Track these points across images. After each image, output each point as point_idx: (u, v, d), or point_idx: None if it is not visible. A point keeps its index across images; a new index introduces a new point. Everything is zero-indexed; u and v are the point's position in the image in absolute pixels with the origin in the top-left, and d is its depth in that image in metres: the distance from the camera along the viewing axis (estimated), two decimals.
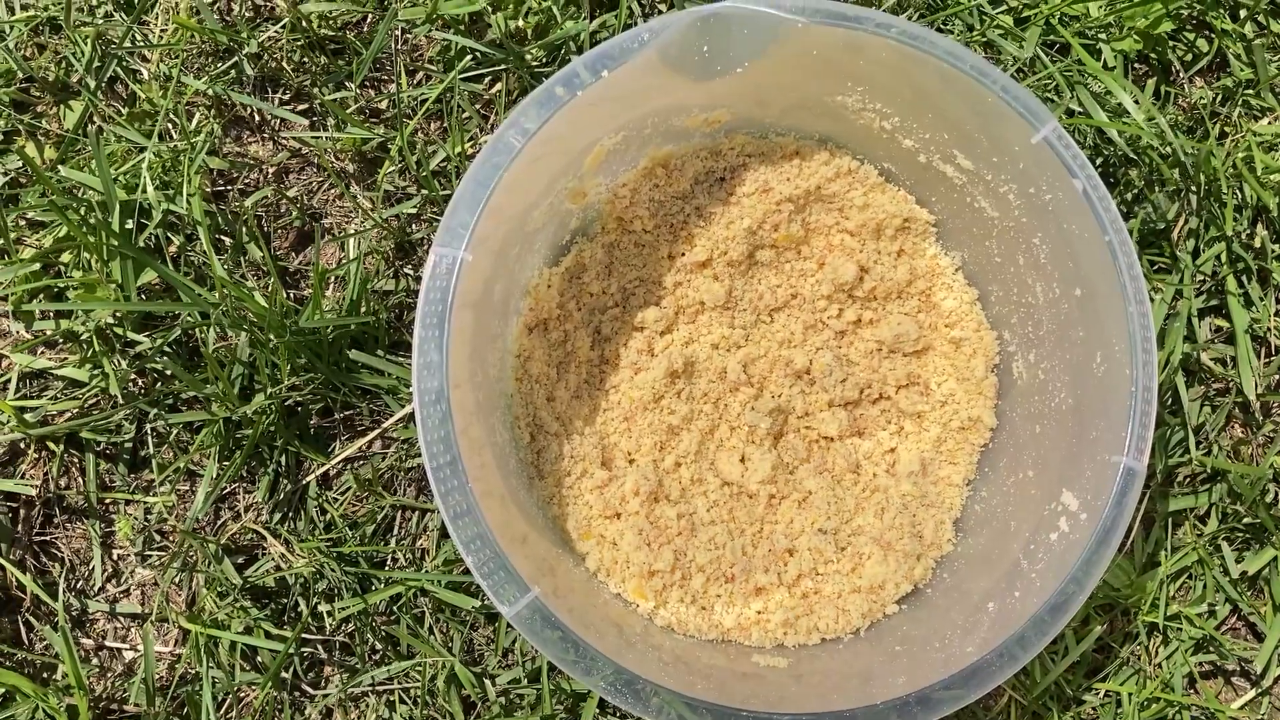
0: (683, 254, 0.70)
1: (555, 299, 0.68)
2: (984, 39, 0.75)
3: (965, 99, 0.61)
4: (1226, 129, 0.77)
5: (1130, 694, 0.68)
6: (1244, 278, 0.74)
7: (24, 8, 0.74)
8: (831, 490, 0.68)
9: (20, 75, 0.72)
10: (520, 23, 0.74)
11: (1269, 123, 0.76)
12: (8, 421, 0.67)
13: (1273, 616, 0.70)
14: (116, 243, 0.66)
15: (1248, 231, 0.74)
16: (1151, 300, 0.73)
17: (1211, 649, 0.70)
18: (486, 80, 0.74)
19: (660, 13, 0.75)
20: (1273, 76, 0.76)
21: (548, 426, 0.66)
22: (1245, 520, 0.70)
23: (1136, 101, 0.73)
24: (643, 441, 0.68)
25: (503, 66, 0.73)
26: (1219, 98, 0.77)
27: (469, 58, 0.73)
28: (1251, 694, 0.71)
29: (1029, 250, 0.64)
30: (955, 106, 0.62)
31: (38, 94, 0.72)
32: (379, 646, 0.67)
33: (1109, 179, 0.75)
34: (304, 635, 0.66)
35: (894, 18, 0.59)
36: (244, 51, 0.72)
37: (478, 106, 0.74)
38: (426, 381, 0.55)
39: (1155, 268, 0.74)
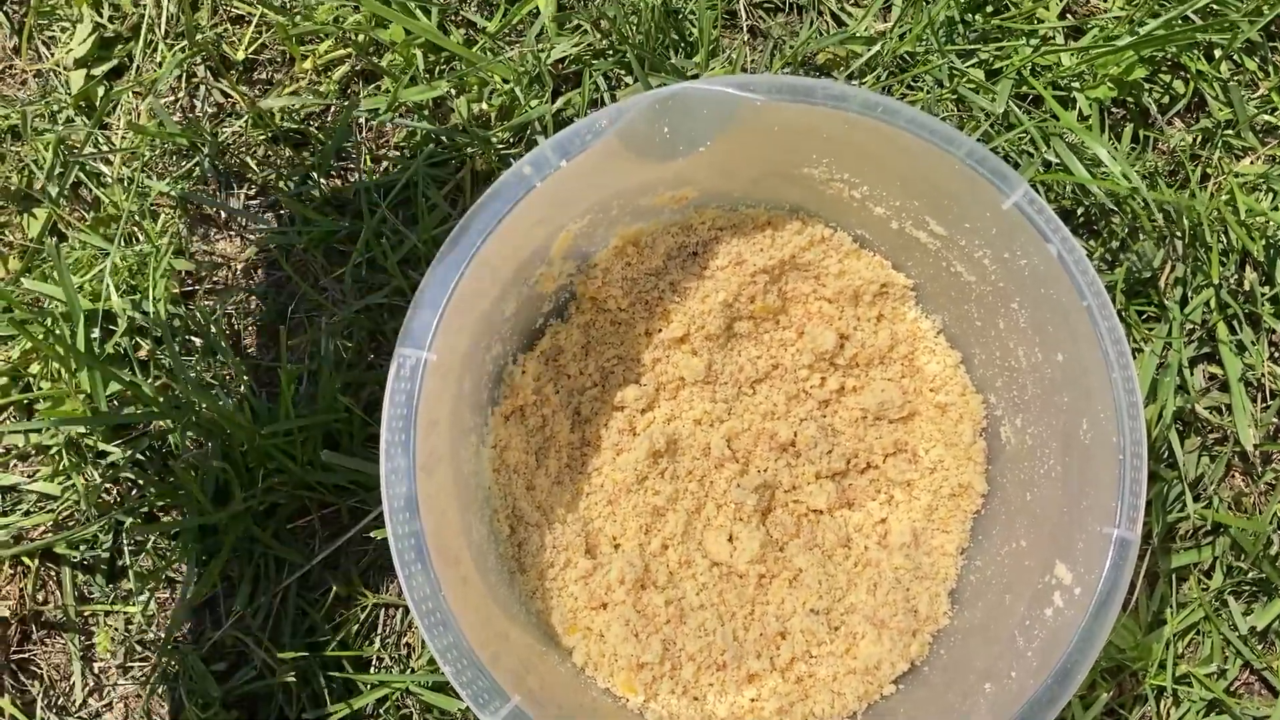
0: (659, 330, 0.69)
1: (531, 384, 0.67)
2: (955, 95, 0.74)
3: (932, 166, 0.59)
4: (1209, 170, 0.75)
5: None
6: (1235, 324, 0.72)
7: None
8: (822, 567, 0.66)
9: None
10: (484, 105, 0.73)
11: (1250, 162, 0.75)
12: None
13: None
14: (81, 354, 0.65)
15: (1235, 277, 0.73)
16: (1141, 351, 0.71)
17: (1223, 710, 0.68)
18: (452, 165, 0.73)
19: (625, 85, 0.75)
20: (1252, 116, 0.75)
21: (528, 517, 0.65)
22: (1251, 574, 0.69)
23: (1112, 154, 0.71)
24: (627, 525, 0.66)
25: (468, 150, 0.72)
26: (1199, 139, 0.76)
27: (433, 144, 0.72)
28: None
29: (1008, 314, 0.63)
30: (922, 174, 0.60)
31: (1, 204, 0.72)
32: None
33: (1091, 229, 0.74)
34: None
35: (852, 89, 0.58)
36: (206, 151, 0.72)
37: (444, 191, 0.73)
38: (395, 487, 0.54)
39: (1144, 317, 0.73)
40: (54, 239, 0.68)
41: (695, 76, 0.74)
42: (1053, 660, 0.55)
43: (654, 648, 0.62)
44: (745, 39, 0.77)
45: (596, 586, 0.64)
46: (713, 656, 0.63)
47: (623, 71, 0.75)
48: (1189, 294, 0.72)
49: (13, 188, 0.72)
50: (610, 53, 0.75)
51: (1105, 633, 0.54)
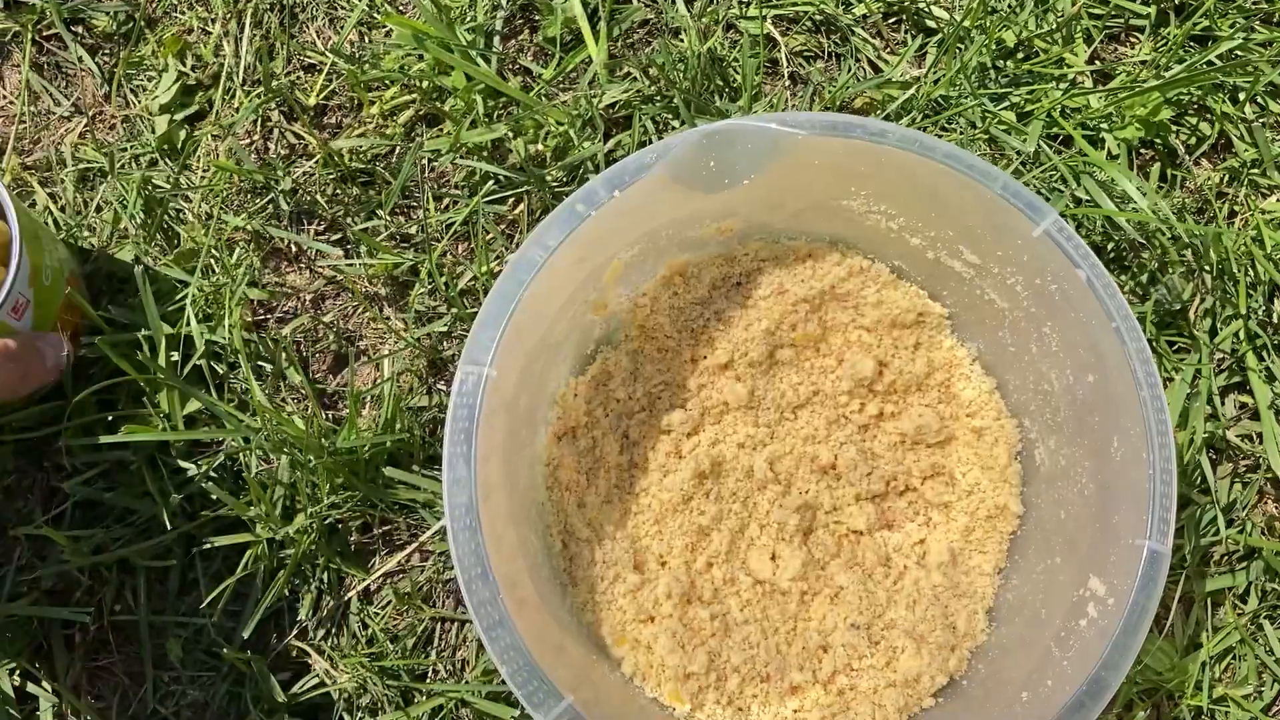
0: (704, 357, 0.72)
1: (583, 406, 0.70)
2: (987, 135, 0.77)
3: (965, 197, 0.63)
4: (1235, 208, 0.78)
5: None
6: (1264, 353, 0.74)
7: (75, 160, 0.79)
8: (863, 585, 0.68)
9: (73, 225, 0.77)
10: (540, 146, 0.77)
11: (1276, 200, 0.78)
12: (62, 552, 0.70)
13: None
14: (163, 377, 0.69)
15: (1264, 308, 0.75)
16: (1172, 380, 0.73)
17: None
18: (509, 201, 0.77)
19: (673, 129, 0.79)
20: (1276, 155, 0.78)
21: (579, 533, 0.68)
22: None
23: (1141, 189, 0.74)
24: (674, 543, 0.69)
25: (524, 188, 0.76)
26: (1225, 178, 0.79)
27: (491, 182, 0.77)
28: None
29: (1041, 339, 0.65)
30: (956, 205, 0.64)
31: (89, 241, 0.77)
32: None
33: (1121, 263, 0.76)
34: None
35: (891, 125, 0.62)
36: (279, 188, 0.76)
37: (502, 227, 0.77)
38: (456, 497, 0.57)
39: (1175, 348, 0.75)
40: (139, 268, 0.73)
41: None
42: (1088, 668, 0.57)
43: (700, 659, 0.65)
44: (786, 84, 0.82)
45: (644, 601, 0.67)
46: (756, 669, 0.66)
47: (670, 115, 0.79)
48: (1218, 325, 0.74)
49: (99, 229, 0.77)
50: (658, 98, 0.79)
51: (1139, 639, 0.56)
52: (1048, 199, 0.76)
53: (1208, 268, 0.74)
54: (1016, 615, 0.66)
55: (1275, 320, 0.75)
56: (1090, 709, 0.56)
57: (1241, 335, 0.74)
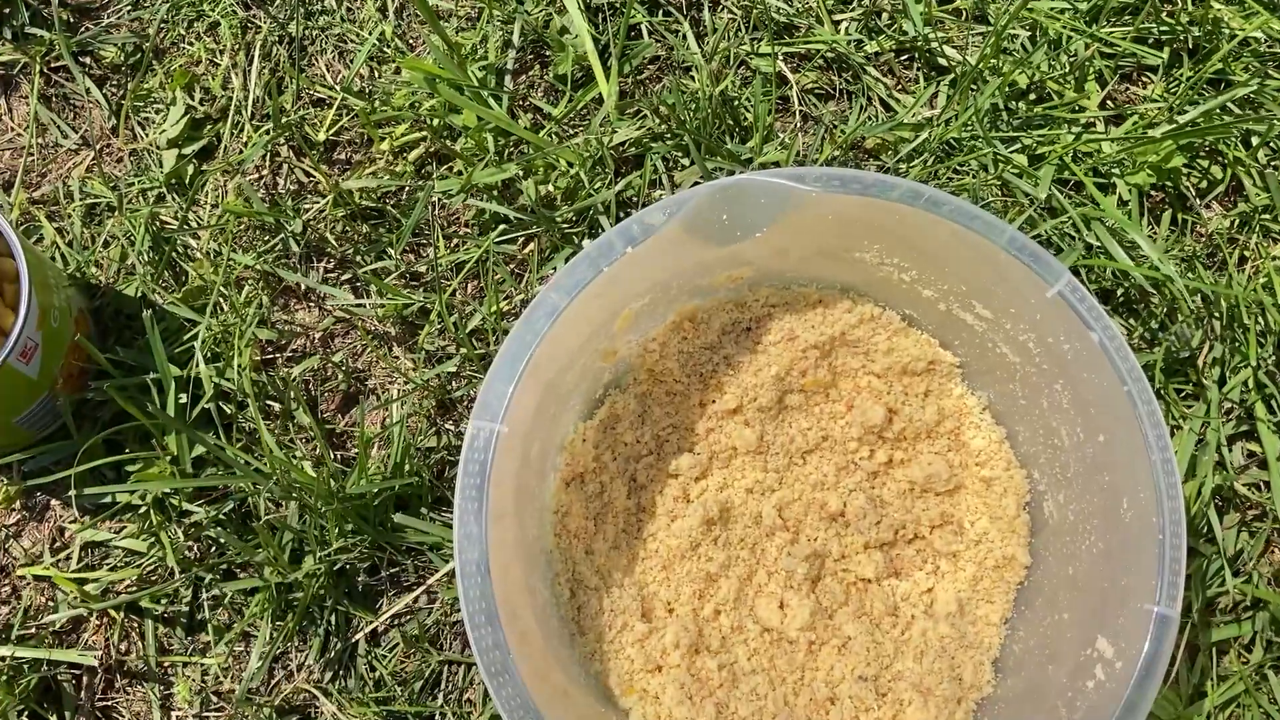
0: (713, 402, 0.72)
1: (591, 451, 0.70)
2: (999, 180, 0.77)
3: (978, 254, 0.63)
4: (1245, 254, 0.78)
5: None
6: (1273, 403, 0.74)
7: (82, 195, 0.78)
8: (870, 635, 0.68)
9: (81, 263, 0.76)
10: (550, 187, 0.77)
11: None
12: (71, 594, 0.70)
13: None
14: (171, 420, 0.69)
15: (1274, 357, 0.75)
16: (1179, 429, 0.73)
17: None
18: (519, 241, 0.77)
19: (683, 168, 0.79)
20: None
21: (587, 581, 0.68)
22: None
23: (1152, 238, 0.74)
24: (681, 590, 0.69)
25: (535, 229, 0.76)
26: (1236, 223, 0.79)
27: (502, 224, 0.76)
28: None
29: (1051, 395, 0.65)
30: (968, 261, 0.64)
31: (97, 278, 0.77)
32: None
33: (1131, 309, 0.76)
34: None
35: (900, 180, 0.61)
36: (289, 229, 0.76)
37: (511, 267, 0.77)
38: (467, 553, 0.57)
39: (1182, 395, 0.75)
40: (148, 311, 0.72)
41: (750, 160, 0.78)
42: None
43: (708, 711, 0.65)
44: (797, 124, 0.81)
45: (652, 650, 0.67)
46: None
47: (680, 154, 0.79)
48: (1227, 374, 0.74)
49: (105, 262, 0.76)
50: (669, 137, 0.79)
51: (1147, 704, 0.56)
52: (1060, 249, 0.76)
53: (1217, 315, 0.74)
54: (1023, 668, 0.66)
55: None
56: None
57: (1250, 384, 0.74)
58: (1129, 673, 0.57)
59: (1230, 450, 0.74)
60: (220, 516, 0.70)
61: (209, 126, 0.81)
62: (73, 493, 0.69)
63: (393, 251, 0.76)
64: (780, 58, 0.82)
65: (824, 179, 0.62)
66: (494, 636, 0.56)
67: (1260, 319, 0.75)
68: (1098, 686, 0.59)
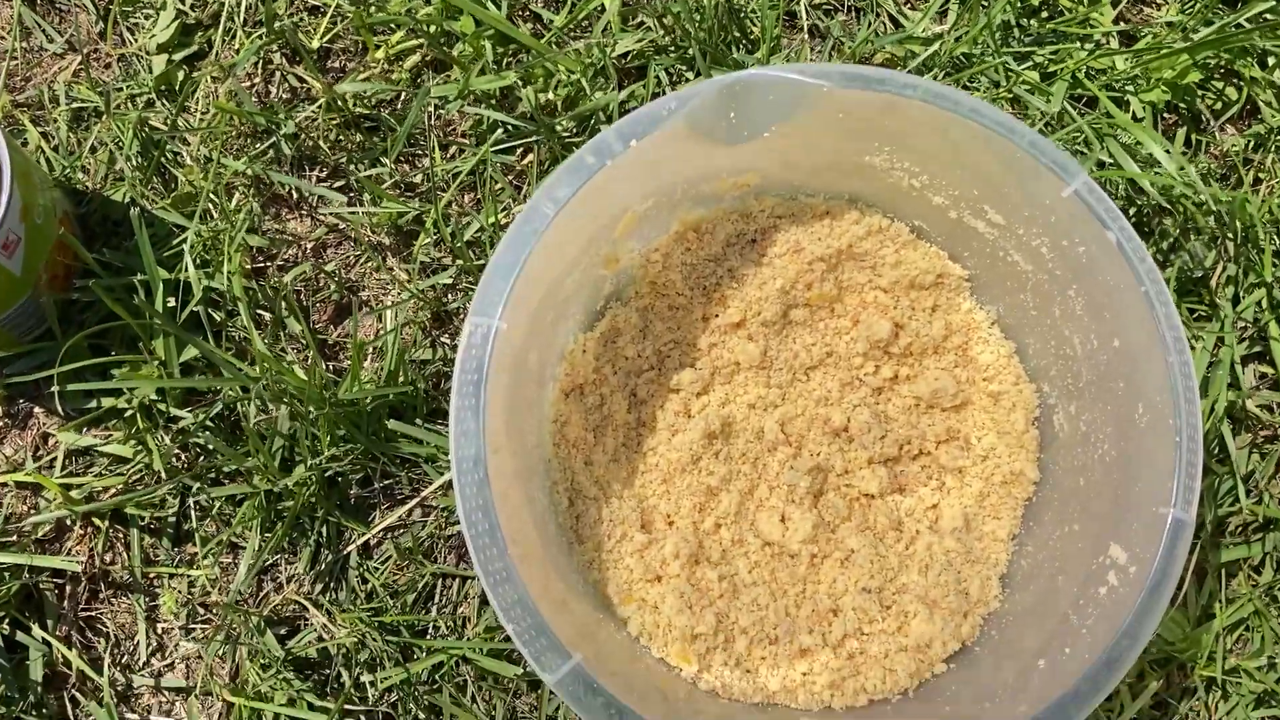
0: (716, 316, 0.70)
1: (591, 364, 0.68)
2: (1010, 95, 0.76)
3: (994, 155, 0.61)
4: (1260, 175, 0.76)
5: None
6: None
7: (69, 99, 0.76)
8: (874, 548, 0.67)
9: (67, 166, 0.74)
10: (550, 95, 0.75)
11: None
12: (54, 499, 0.68)
13: None
14: (159, 322, 0.67)
15: None
16: (1193, 348, 0.72)
17: (1274, 703, 0.68)
18: (518, 152, 0.75)
19: (687, 80, 0.77)
20: None
21: (586, 491, 0.66)
22: None
23: (1167, 151, 0.73)
24: (682, 503, 0.67)
25: (534, 138, 0.74)
26: (1251, 144, 0.77)
27: (500, 131, 0.74)
28: None
29: (1064, 302, 0.64)
30: (984, 163, 0.62)
31: (84, 183, 0.74)
32: (421, 716, 0.66)
33: (1143, 228, 0.75)
34: (347, 706, 0.66)
35: (918, 79, 0.60)
36: (281, 132, 0.74)
37: (510, 177, 0.75)
38: (464, 449, 0.55)
39: (1195, 316, 0.74)
40: (136, 210, 0.70)
41: None
42: (1108, 636, 0.55)
43: (707, 620, 0.63)
44: (804, 38, 0.79)
45: (652, 560, 0.65)
46: (765, 631, 0.64)
47: (684, 68, 0.77)
48: (1240, 293, 0.73)
49: (92, 167, 0.74)
50: (673, 48, 0.77)
51: (1162, 608, 0.55)
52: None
53: (1231, 235, 0.73)
54: (1031, 582, 0.65)
55: None
56: (1111, 676, 0.54)
57: (1264, 304, 0.72)
58: (1143, 576, 0.56)
59: (1243, 372, 0.73)
60: (208, 422, 0.68)
61: (200, 33, 0.79)
62: (55, 388, 0.67)
63: (387, 160, 0.74)
64: None
65: (839, 75, 0.60)
66: (492, 537, 0.54)
67: (1276, 238, 0.73)
68: (1110, 593, 0.58)
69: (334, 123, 0.75)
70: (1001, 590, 0.66)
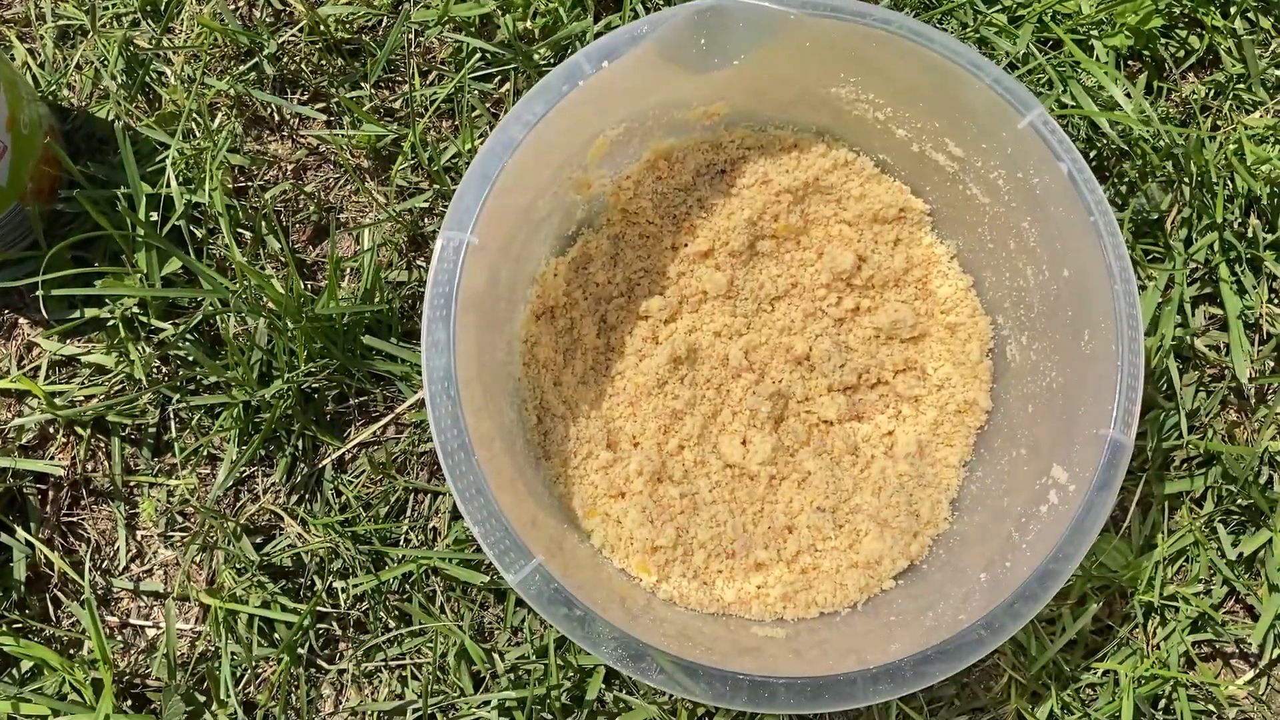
0: (685, 245, 0.72)
1: (562, 288, 0.70)
2: (977, 35, 0.77)
3: (955, 89, 0.63)
4: (1219, 122, 0.79)
5: (1127, 672, 0.69)
6: (1236, 266, 0.75)
7: (55, 16, 0.77)
8: (830, 471, 0.69)
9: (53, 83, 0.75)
10: (528, 24, 0.76)
11: (1259, 116, 0.78)
12: (39, 405, 0.70)
13: (1268, 596, 0.71)
14: (142, 233, 0.69)
15: (1240, 221, 0.76)
16: (1144, 288, 0.74)
17: (1208, 628, 0.71)
18: (496, 79, 0.77)
19: (661, 9, 0.78)
20: (1263, 71, 0.78)
21: (554, 410, 0.69)
22: (1240, 502, 0.72)
23: (1128, 94, 0.75)
24: (647, 425, 0.70)
25: (511, 65, 0.76)
26: (1210, 92, 0.79)
27: (478, 57, 0.76)
28: (1250, 674, 0.71)
29: (1019, 234, 0.66)
30: (945, 97, 0.64)
31: (69, 100, 0.76)
32: (392, 624, 0.69)
33: (1102, 171, 0.77)
34: (319, 610, 0.68)
35: (887, 11, 0.61)
36: (264, 53, 0.75)
37: (488, 104, 0.76)
38: (434, 359, 0.57)
39: (1150, 257, 0.76)
40: (120, 124, 0.72)
41: None
42: (1046, 550, 0.58)
43: (668, 534, 0.66)
44: None
45: (616, 477, 0.68)
46: (723, 545, 0.67)
47: None
48: (1194, 235, 0.75)
49: (77, 84, 0.75)
50: None
51: (1098, 523, 0.58)
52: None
53: (1187, 178, 0.75)
54: (979, 505, 0.68)
55: (1250, 233, 0.75)
56: (1047, 588, 0.57)
57: (1216, 246, 0.75)
58: (1082, 494, 0.58)
59: (1193, 314, 0.75)
60: (188, 334, 0.70)
61: None
62: (40, 293, 0.69)
63: (366, 84, 0.76)
64: None
65: (808, 3, 0.61)
66: (460, 443, 0.57)
67: (1229, 183, 0.76)
68: (1050, 510, 0.60)
69: (316, 46, 0.76)
70: (951, 513, 0.69)
